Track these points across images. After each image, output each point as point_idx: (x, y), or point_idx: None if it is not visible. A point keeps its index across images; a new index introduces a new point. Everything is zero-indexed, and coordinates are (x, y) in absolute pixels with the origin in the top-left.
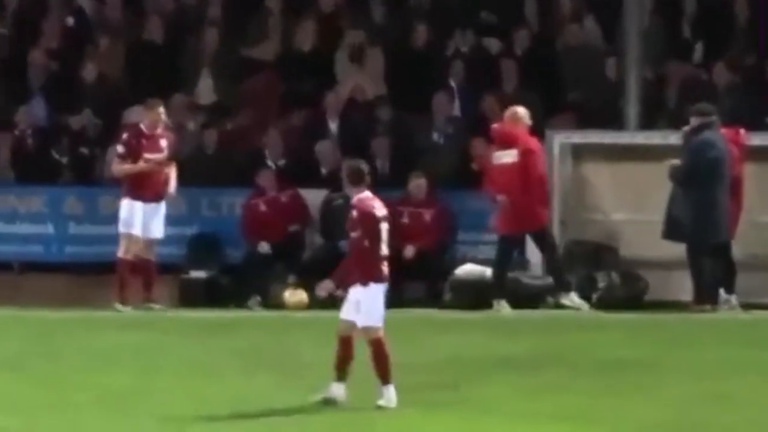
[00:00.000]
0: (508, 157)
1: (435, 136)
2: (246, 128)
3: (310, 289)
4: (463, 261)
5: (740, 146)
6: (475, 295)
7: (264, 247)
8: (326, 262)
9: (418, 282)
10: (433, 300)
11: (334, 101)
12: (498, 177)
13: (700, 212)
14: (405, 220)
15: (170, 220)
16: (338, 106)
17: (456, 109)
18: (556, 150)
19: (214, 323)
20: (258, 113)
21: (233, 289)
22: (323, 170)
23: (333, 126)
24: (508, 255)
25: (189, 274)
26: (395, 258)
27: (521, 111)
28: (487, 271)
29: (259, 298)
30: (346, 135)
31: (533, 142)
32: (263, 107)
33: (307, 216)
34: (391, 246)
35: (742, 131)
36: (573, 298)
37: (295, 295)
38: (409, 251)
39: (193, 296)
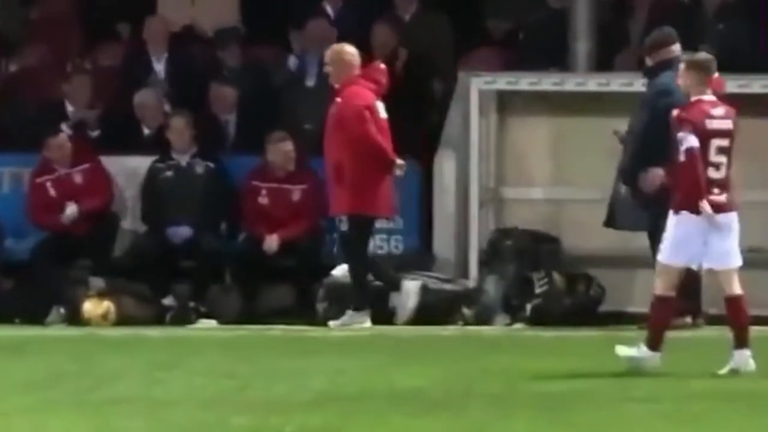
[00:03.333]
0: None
1: (306, 80)
2: (35, 70)
3: (123, 296)
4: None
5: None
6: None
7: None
8: (148, 258)
9: (283, 286)
10: (305, 311)
11: (160, 33)
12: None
13: (661, 188)
14: (264, 200)
15: None
16: (165, 40)
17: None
18: (473, 100)
19: None
20: (53, 50)
21: (20, 298)
22: (145, 129)
23: (158, 68)
24: (362, 245)
25: None
26: (249, 252)
27: (346, 50)
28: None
29: (62, 310)
30: (177, 81)
31: (354, 92)
32: (60, 42)
33: (109, 197)
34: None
35: (716, 76)
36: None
37: (99, 307)
38: (271, 243)
39: None
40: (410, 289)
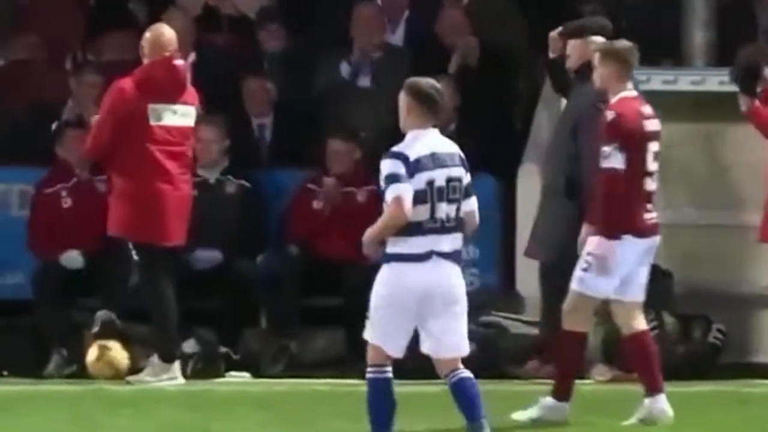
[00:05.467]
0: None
1: (359, 79)
2: (27, 66)
3: (134, 342)
4: None
5: None
6: None
7: (73, 259)
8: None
9: (330, 330)
10: (356, 361)
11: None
12: None
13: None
14: (319, 204)
15: None
16: (189, 35)
17: (393, 32)
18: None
19: None
20: (48, 41)
21: (9, 344)
22: None
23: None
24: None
25: None
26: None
27: (161, 35)
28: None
29: (64, 353)
30: (201, 80)
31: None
32: (57, 31)
33: None
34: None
35: None
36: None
37: (104, 355)
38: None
39: None
40: None
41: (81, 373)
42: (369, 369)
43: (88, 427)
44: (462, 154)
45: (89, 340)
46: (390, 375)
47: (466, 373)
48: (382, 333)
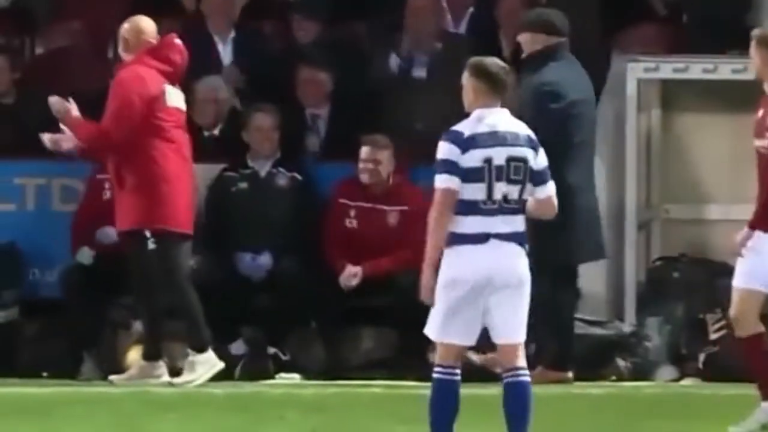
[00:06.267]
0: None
1: (414, 70)
2: (67, 54)
3: (177, 343)
4: None
5: None
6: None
7: (85, 254)
8: (212, 293)
9: (383, 331)
10: (411, 363)
11: (222, 7)
12: None
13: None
14: (352, 222)
15: None
16: (229, 16)
17: (457, 27)
18: (630, 92)
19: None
20: (90, 27)
21: (48, 345)
22: (204, 130)
23: (223, 52)
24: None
25: None
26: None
27: (141, 24)
28: None
29: (97, 358)
30: (248, 67)
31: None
32: (99, 17)
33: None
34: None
35: None
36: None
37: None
38: (350, 277)
39: None
40: None
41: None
42: (436, 368)
43: (134, 431)
44: (533, 136)
45: (127, 344)
46: (457, 377)
47: (527, 379)
48: (447, 324)
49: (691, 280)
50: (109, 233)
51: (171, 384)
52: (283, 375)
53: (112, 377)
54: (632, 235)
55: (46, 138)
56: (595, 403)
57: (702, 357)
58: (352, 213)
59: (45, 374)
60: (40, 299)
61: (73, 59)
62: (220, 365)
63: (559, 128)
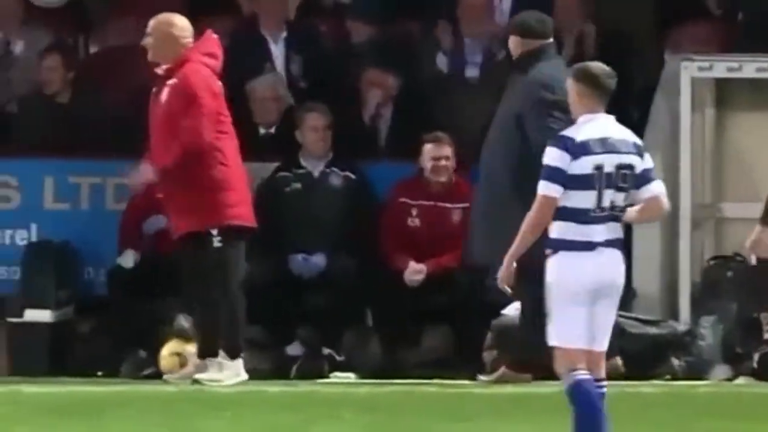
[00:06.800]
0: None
1: (466, 69)
2: (123, 52)
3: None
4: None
5: None
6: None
7: (127, 257)
8: (266, 292)
9: (439, 330)
10: (466, 362)
11: (274, 6)
12: None
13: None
14: (414, 221)
15: None
16: (281, 15)
17: (502, 15)
18: (684, 91)
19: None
20: (145, 25)
21: (101, 344)
22: (261, 128)
23: (275, 51)
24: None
25: (22, 317)
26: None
27: (179, 21)
28: None
29: (143, 354)
30: (300, 63)
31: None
32: (155, 14)
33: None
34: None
35: None
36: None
37: (176, 350)
38: (414, 274)
39: (29, 357)
40: None
41: (159, 374)
42: (564, 377)
43: (185, 430)
44: (639, 142)
45: (164, 339)
46: (588, 375)
47: (605, 390)
48: (565, 331)
49: (746, 280)
50: (157, 221)
51: (195, 381)
52: (337, 374)
53: (166, 376)
54: (686, 234)
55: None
56: (648, 402)
57: (756, 356)
58: (414, 212)
59: (99, 373)
60: (94, 298)
61: (128, 57)
62: (245, 377)
63: (553, 119)
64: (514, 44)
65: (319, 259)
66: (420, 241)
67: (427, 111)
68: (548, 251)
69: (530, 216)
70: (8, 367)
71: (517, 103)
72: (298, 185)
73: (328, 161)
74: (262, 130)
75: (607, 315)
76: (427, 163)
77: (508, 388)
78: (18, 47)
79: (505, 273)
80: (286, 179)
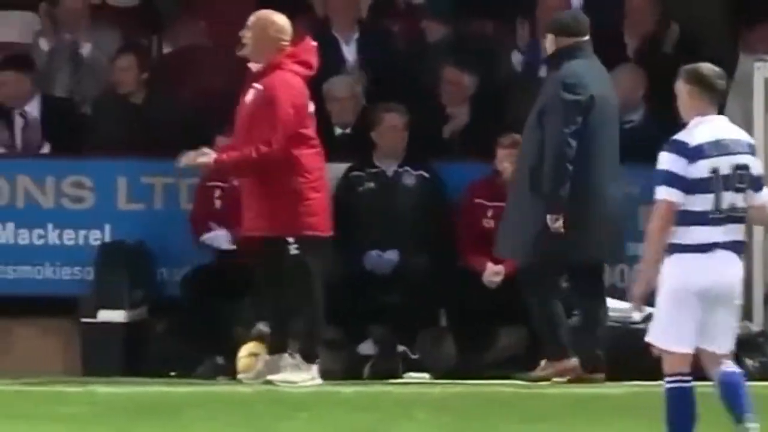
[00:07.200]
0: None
1: (540, 69)
2: (195, 52)
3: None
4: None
5: None
6: (628, 356)
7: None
8: (340, 292)
9: (514, 329)
10: (539, 358)
11: (344, 7)
12: None
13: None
14: (489, 222)
15: (54, 218)
16: (353, 16)
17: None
18: (757, 91)
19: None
20: (218, 25)
21: (176, 344)
22: (336, 128)
23: (348, 52)
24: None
25: (96, 318)
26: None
27: (279, 21)
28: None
29: (221, 360)
30: (373, 63)
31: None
32: (228, 14)
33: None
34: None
35: None
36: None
37: (255, 351)
38: (493, 275)
39: (102, 357)
40: None
41: (233, 377)
42: (667, 379)
43: (264, 431)
44: (751, 141)
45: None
46: (691, 383)
47: (732, 367)
48: (673, 333)
49: None
50: (220, 238)
51: (269, 382)
52: (412, 374)
53: (241, 376)
54: (759, 235)
55: (184, 159)
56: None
57: None
58: (490, 213)
59: (173, 373)
60: (168, 299)
61: (201, 58)
62: (319, 382)
63: (578, 119)
64: (549, 42)
65: (392, 255)
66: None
67: (501, 111)
68: (665, 255)
69: (652, 223)
70: (81, 367)
71: (541, 101)
72: (371, 185)
73: (401, 161)
74: (338, 131)
75: (724, 317)
76: (502, 165)
77: (582, 389)
78: (87, 49)
79: (638, 292)
80: (359, 179)
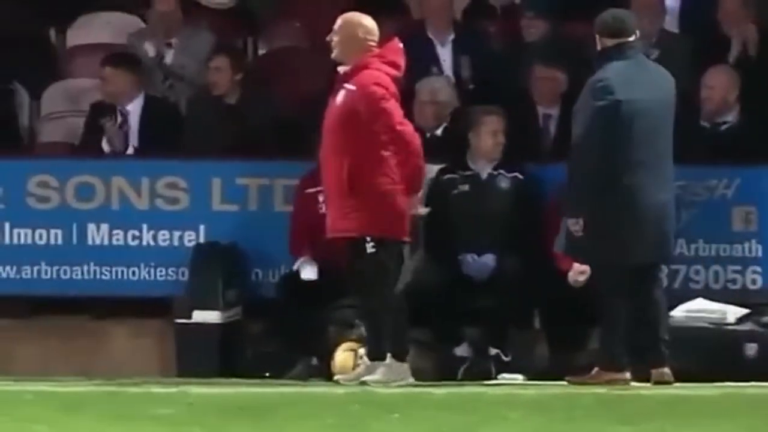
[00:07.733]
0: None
1: None
2: (291, 53)
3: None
4: (685, 293)
5: None
6: (722, 358)
7: (306, 268)
8: (434, 294)
9: (597, 328)
10: (634, 364)
11: (440, 9)
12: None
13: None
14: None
15: (149, 219)
16: (449, 17)
17: (670, 17)
18: None
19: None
20: (313, 26)
21: (271, 345)
22: (427, 132)
23: (443, 51)
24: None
25: (190, 318)
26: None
27: (367, 23)
28: (730, 311)
29: (315, 361)
30: (468, 65)
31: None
32: (322, 15)
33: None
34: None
35: None
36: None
37: (352, 347)
38: (579, 273)
39: (197, 358)
40: None
41: (328, 378)
42: None
43: (357, 431)
44: None
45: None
46: None
47: None
48: None
49: None
50: (307, 270)
51: (363, 383)
52: (505, 375)
53: (338, 377)
54: None
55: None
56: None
57: None
58: None
59: (267, 374)
60: (262, 300)
61: (296, 59)
62: (411, 381)
63: (605, 124)
64: (597, 42)
65: (488, 259)
66: None
67: None
68: None
69: None
70: (175, 368)
71: (578, 103)
72: (465, 187)
73: (495, 163)
74: (427, 133)
75: None
76: None
77: (676, 390)
78: (170, 56)
79: None
80: (453, 181)
